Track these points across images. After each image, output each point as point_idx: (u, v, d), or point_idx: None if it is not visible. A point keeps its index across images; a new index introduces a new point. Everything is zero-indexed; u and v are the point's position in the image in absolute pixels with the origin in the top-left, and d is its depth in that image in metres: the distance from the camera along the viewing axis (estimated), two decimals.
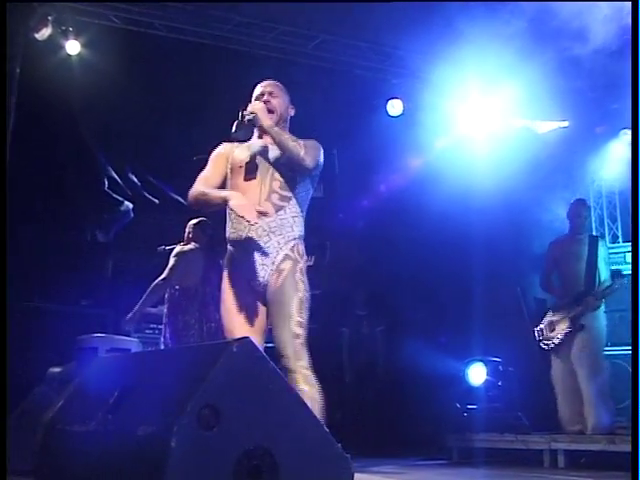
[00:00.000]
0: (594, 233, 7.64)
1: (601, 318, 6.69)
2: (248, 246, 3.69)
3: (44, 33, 7.49)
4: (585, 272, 6.74)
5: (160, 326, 6.47)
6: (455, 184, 8.05)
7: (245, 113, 3.83)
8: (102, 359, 4.19)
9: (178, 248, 6.19)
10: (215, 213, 8.15)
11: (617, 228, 8.89)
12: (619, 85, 6.88)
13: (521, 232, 8.75)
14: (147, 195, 9.33)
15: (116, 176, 9.17)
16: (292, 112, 4.03)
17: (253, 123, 3.82)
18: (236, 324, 3.72)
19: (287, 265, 3.64)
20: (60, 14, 7.60)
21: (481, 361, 7.79)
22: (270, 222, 3.66)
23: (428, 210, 8.27)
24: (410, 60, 8.70)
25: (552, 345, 6.85)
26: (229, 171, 3.90)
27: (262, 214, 3.64)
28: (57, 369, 5.55)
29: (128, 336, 7.09)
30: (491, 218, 8.37)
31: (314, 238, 7.40)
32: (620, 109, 7.96)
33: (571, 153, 8.91)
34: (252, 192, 3.71)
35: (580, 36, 6.94)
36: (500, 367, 7.78)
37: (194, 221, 6.38)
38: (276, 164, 3.76)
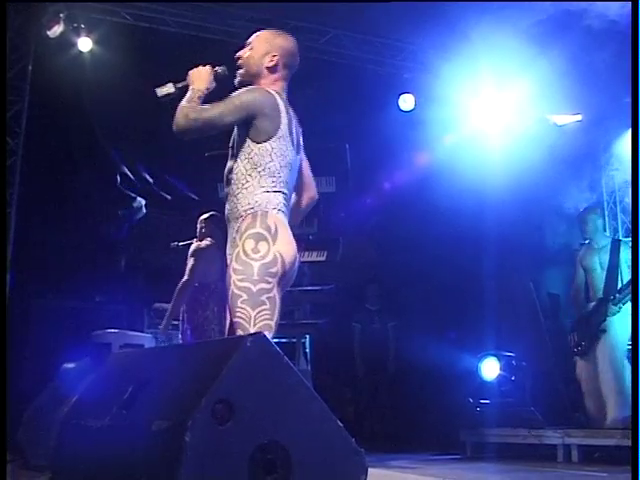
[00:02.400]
0: (607, 228, 7.59)
1: (623, 319, 6.72)
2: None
3: (56, 30, 7.51)
4: (606, 279, 6.82)
5: (174, 322, 6.48)
6: (467, 179, 8.03)
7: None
8: (116, 354, 4.20)
9: (194, 246, 6.19)
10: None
11: (630, 222, 8.83)
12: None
13: (534, 227, 8.73)
14: (159, 191, 9.36)
15: (129, 172, 9.20)
16: (270, 62, 3.60)
17: (184, 89, 3.51)
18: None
19: (231, 254, 3.32)
20: (72, 11, 7.63)
21: (494, 356, 7.76)
22: (226, 211, 3.40)
23: (441, 205, 8.26)
24: (422, 54, 8.69)
25: (580, 350, 6.98)
26: None
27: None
28: (71, 365, 5.58)
29: (141, 332, 7.13)
30: (504, 213, 8.34)
31: (327, 233, 7.45)
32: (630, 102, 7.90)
33: (584, 147, 8.86)
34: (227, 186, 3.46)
35: (593, 29, 6.92)
36: (513, 362, 7.75)
37: (205, 216, 6.38)
38: (234, 147, 3.46)
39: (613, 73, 7.36)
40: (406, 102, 8.95)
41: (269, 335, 3.11)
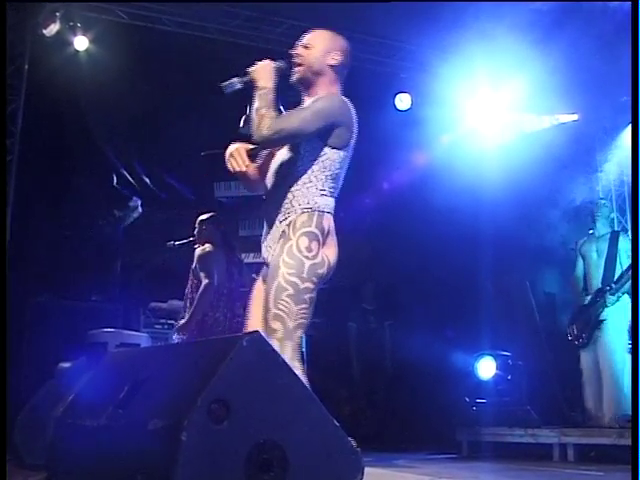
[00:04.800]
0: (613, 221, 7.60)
1: (621, 311, 6.73)
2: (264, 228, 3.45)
3: (52, 29, 7.50)
4: (604, 268, 6.84)
5: (170, 321, 6.47)
6: (464, 178, 8.04)
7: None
8: (112, 354, 4.20)
9: (200, 252, 6.17)
10: (224, 209, 8.15)
11: (626, 221, 8.85)
12: (628, 77, 6.84)
13: (530, 226, 8.73)
14: (156, 190, 9.35)
15: (125, 172, 9.19)
16: (333, 60, 3.59)
17: (249, 84, 3.51)
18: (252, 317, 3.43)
19: (279, 245, 3.28)
20: (68, 10, 7.62)
21: (490, 355, 7.78)
22: (274, 202, 3.37)
23: (437, 204, 8.26)
24: (418, 54, 8.69)
25: (580, 342, 6.98)
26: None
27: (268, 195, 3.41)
28: (67, 364, 5.57)
29: (137, 331, 7.13)
30: (500, 212, 8.36)
31: None
32: (629, 102, 7.92)
33: (580, 146, 8.88)
34: (268, 175, 3.48)
35: (589, 28, 6.93)
36: (509, 361, 7.77)
37: (204, 217, 6.36)
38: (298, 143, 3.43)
39: (609, 72, 7.37)
40: (402, 101, 8.95)
41: (302, 333, 3.22)
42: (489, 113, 9.12)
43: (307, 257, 3.20)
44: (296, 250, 3.20)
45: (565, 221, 8.48)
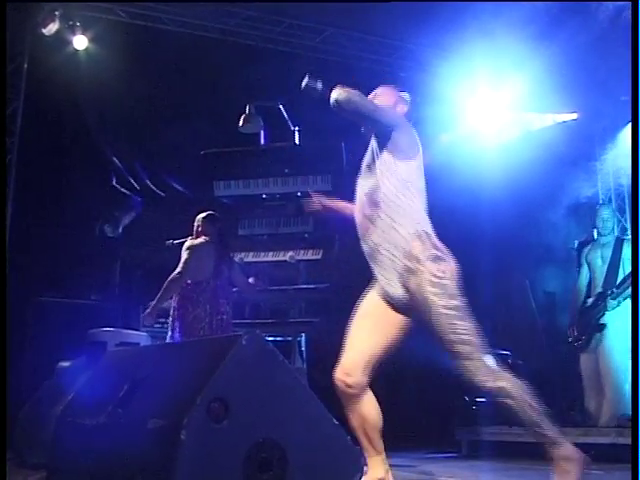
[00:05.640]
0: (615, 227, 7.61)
1: (623, 316, 6.75)
2: (375, 270, 3.49)
3: (51, 28, 7.49)
4: (606, 274, 6.88)
5: (161, 319, 6.47)
6: (463, 177, 8.02)
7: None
8: (112, 353, 4.20)
9: (189, 242, 6.17)
10: (223, 208, 8.15)
11: (626, 220, 8.84)
12: (628, 77, 6.85)
13: (530, 225, 8.73)
14: (155, 189, 9.34)
15: (124, 171, 9.19)
16: (402, 109, 3.79)
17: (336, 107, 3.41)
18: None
19: (411, 280, 3.27)
20: (67, 9, 7.61)
21: (490, 354, 7.77)
22: (373, 237, 3.37)
23: (436, 203, 8.21)
24: (418, 53, 8.68)
25: (579, 344, 6.99)
26: None
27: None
28: (67, 363, 5.57)
29: (137, 330, 7.12)
30: (500, 211, 8.35)
31: (323, 231, 7.44)
32: (629, 101, 7.92)
33: (580, 145, 8.87)
34: (358, 215, 3.45)
35: (589, 26, 6.92)
36: (509, 360, 7.75)
37: (203, 215, 6.37)
38: (363, 171, 3.48)
39: (609, 71, 7.37)
40: None
41: (475, 351, 3.25)
42: (489, 112, 9.10)
43: (445, 278, 3.24)
44: (435, 278, 3.22)
45: (565, 220, 8.47)
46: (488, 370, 3.13)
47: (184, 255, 6.08)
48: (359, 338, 3.37)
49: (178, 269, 6.01)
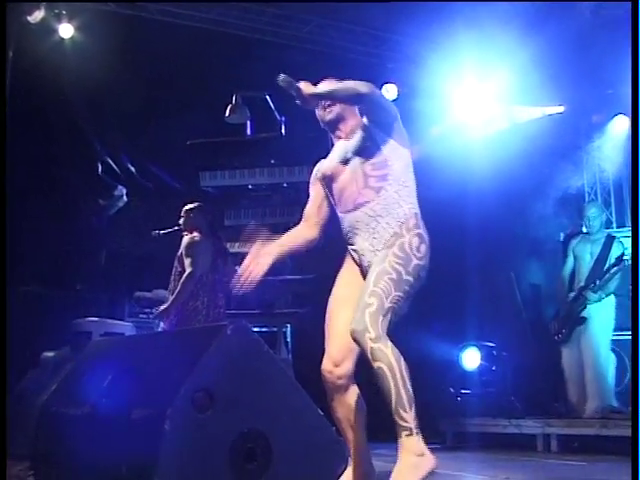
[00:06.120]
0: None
1: (606, 309, 6.78)
2: (360, 238, 3.42)
3: (37, 16, 7.42)
4: (592, 269, 6.94)
5: (155, 310, 6.45)
6: (450, 169, 8.02)
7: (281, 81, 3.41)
8: (96, 343, 4.19)
9: (188, 240, 6.14)
10: (209, 199, 8.13)
11: (611, 213, 8.86)
12: (614, 70, 6.87)
13: (516, 217, 8.74)
14: (141, 180, 9.30)
15: (110, 160, 9.14)
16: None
17: (295, 94, 3.43)
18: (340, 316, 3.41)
19: (391, 242, 3.29)
20: None
21: (475, 346, 7.80)
22: (374, 206, 3.37)
23: (423, 196, 8.23)
24: (405, 44, 8.67)
25: (560, 337, 7.04)
26: (326, 188, 3.67)
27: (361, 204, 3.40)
28: (51, 353, 5.56)
29: (122, 320, 7.11)
30: (486, 204, 8.35)
31: None
32: (615, 94, 7.94)
33: (567, 138, 8.89)
34: (349, 189, 3.45)
35: (575, 20, 6.94)
36: (494, 352, 7.79)
37: (190, 206, 6.34)
38: (360, 148, 3.48)
39: (596, 64, 7.39)
40: (389, 92, 8.92)
41: (392, 318, 3.18)
42: (476, 105, 9.10)
43: (415, 256, 3.26)
44: (408, 247, 3.26)
45: (551, 213, 8.49)
46: (373, 329, 3.05)
47: (187, 253, 6.05)
48: (341, 328, 3.34)
49: (189, 269, 5.98)
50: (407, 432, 3.12)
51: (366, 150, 3.46)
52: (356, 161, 3.48)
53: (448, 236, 8.65)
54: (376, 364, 3.02)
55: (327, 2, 7.58)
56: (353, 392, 3.33)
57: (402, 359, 3.06)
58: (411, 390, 3.05)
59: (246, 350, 2.67)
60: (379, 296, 3.11)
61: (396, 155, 3.46)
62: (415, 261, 3.25)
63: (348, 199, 3.44)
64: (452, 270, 8.74)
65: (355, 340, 3.07)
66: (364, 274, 3.34)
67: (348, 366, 3.33)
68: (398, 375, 3.03)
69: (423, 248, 3.32)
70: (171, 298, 5.99)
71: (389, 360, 3.02)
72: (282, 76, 3.36)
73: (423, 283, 3.36)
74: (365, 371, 3.11)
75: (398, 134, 3.49)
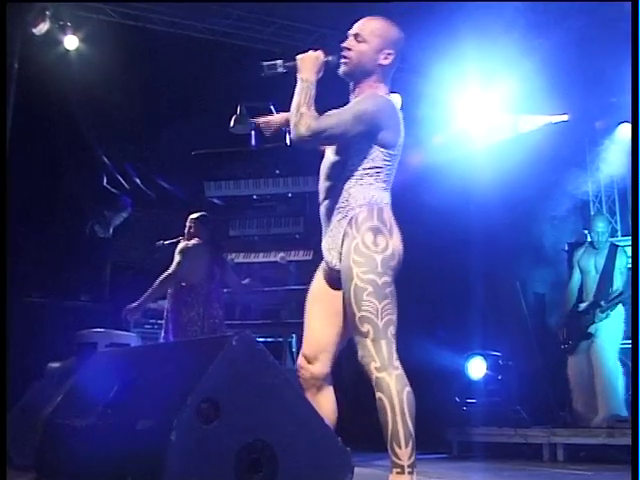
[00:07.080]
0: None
1: (615, 320, 6.78)
2: (324, 235, 3.34)
3: (42, 28, 7.46)
4: (598, 283, 6.95)
5: (160, 321, 6.45)
6: (454, 178, 8.04)
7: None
8: (101, 354, 4.19)
9: (183, 244, 6.16)
10: (214, 209, 8.14)
11: (616, 222, 8.86)
12: (618, 78, 6.87)
13: (520, 226, 8.74)
14: (146, 190, 9.33)
15: (115, 172, 9.17)
16: (385, 59, 3.58)
17: (292, 70, 3.41)
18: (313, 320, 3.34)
19: (345, 246, 3.17)
20: (58, 9, 7.58)
21: (481, 355, 7.79)
22: (328, 202, 3.29)
23: (427, 204, 8.25)
24: (408, 54, 8.68)
25: (567, 347, 7.07)
26: None
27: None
28: (56, 364, 5.55)
29: (127, 331, 7.11)
30: (490, 212, 8.36)
31: (313, 232, 7.43)
32: (619, 102, 7.95)
33: (570, 146, 8.89)
34: (321, 179, 3.39)
35: (579, 28, 6.94)
36: (500, 361, 7.78)
37: (194, 215, 6.35)
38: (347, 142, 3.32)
39: (600, 72, 7.39)
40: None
41: (394, 330, 3.12)
42: (479, 114, 9.12)
43: (376, 252, 3.12)
44: (363, 247, 3.12)
45: (555, 222, 8.49)
46: (378, 358, 3.03)
47: (177, 257, 6.06)
48: (312, 324, 3.31)
49: (169, 270, 6.00)
50: (398, 470, 2.94)
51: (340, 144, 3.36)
52: (328, 154, 3.42)
53: (453, 245, 8.69)
54: (377, 395, 2.99)
55: (331, 2, 7.56)
56: (326, 394, 3.26)
57: (407, 390, 3.01)
58: (411, 426, 2.96)
59: (251, 360, 2.66)
60: (369, 320, 3.06)
61: (363, 152, 3.29)
62: (379, 256, 3.11)
63: (320, 189, 3.40)
64: (457, 279, 8.74)
65: (364, 368, 3.07)
66: (329, 279, 3.31)
67: (321, 366, 3.25)
68: (397, 408, 2.96)
69: (380, 239, 3.15)
70: (144, 295, 5.99)
71: (390, 393, 2.98)
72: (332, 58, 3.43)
73: (401, 263, 3.24)
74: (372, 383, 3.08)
75: (380, 137, 3.30)
